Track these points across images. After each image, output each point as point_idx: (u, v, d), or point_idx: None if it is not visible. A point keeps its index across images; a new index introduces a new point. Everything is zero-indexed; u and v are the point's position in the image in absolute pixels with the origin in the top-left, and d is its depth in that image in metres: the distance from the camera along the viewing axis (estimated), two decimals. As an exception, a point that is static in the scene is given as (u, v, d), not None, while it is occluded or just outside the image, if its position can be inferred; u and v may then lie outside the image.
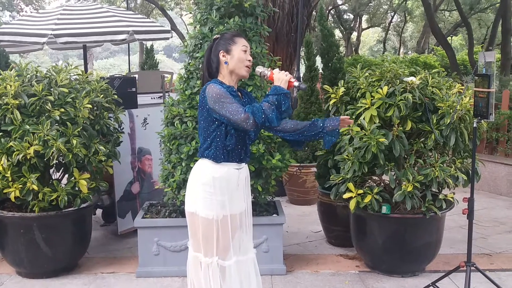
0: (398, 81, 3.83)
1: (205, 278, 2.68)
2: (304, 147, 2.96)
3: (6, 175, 3.72)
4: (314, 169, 5.28)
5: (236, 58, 2.63)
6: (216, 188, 2.62)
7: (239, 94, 2.73)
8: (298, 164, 5.78)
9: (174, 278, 3.90)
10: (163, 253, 3.95)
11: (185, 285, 2.91)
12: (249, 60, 2.67)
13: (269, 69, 2.68)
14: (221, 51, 2.65)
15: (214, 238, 2.64)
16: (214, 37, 2.76)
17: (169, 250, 3.93)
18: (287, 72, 2.58)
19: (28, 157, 3.69)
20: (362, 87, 3.89)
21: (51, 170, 4.14)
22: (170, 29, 8.78)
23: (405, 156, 3.86)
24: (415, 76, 3.86)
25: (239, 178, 2.71)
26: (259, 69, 2.71)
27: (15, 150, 3.67)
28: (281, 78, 2.55)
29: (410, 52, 28.68)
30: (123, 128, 4.52)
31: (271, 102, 2.47)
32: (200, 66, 3.87)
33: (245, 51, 2.65)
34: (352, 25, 25.76)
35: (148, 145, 5.07)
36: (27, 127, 3.73)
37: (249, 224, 2.83)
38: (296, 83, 2.59)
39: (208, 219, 2.63)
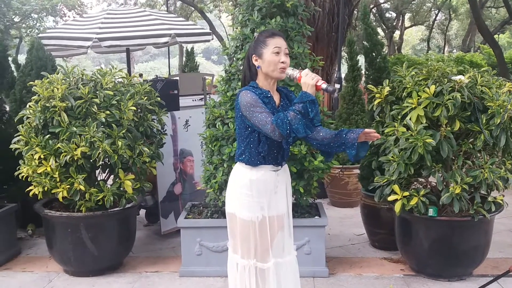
0: (445, 80, 3.72)
1: (242, 280, 2.68)
2: (332, 158, 2.83)
3: (54, 176, 3.83)
4: (357, 171, 5.20)
5: (267, 62, 2.54)
6: (253, 190, 2.61)
7: (278, 96, 2.67)
8: (341, 166, 5.70)
9: (217, 278, 3.91)
10: (205, 253, 3.97)
11: (227, 286, 2.90)
12: (282, 62, 2.54)
13: (299, 71, 2.53)
14: (254, 55, 2.59)
15: (252, 240, 2.63)
16: (255, 35, 2.69)
17: (211, 250, 3.95)
18: (314, 75, 2.45)
19: (75, 158, 3.78)
20: (408, 86, 3.79)
21: (97, 171, 4.23)
22: (210, 31, 8.85)
23: (453, 157, 3.75)
24: (463, 75, 3.74)
25: (277, 180, 2.68)
26: (289, 71, 2.56)
27: (62, 151, 3.77)
28: (307, 83, 2.42)
29: (455, 50, 28.01)
30: (165, 130, 4.57)
31: (297, 111, 2.36)
32: (241, 68, 3.87)
33: (278, 52, 2.53)
34: (394, 23, 25.35)
35: (190, 147, 5.12)
36: (74, 129, 3.82)
37: (290, 225, 2.80)
38: (323, 86, 2.44)
39: (246, 220, 2.62)
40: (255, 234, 2.62)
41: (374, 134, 2.55)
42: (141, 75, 15.33)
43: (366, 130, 2.56)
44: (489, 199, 3.74)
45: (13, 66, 5.81)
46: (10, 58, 5.87)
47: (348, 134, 2.55)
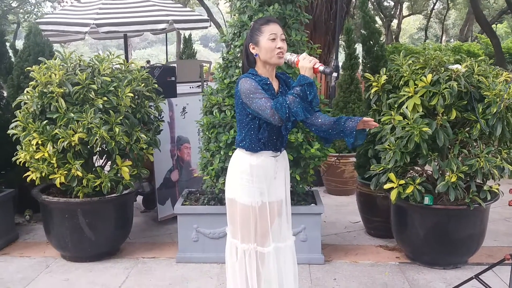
0: (442, 69, 3.72)
1: (240, 264, 2.70)
2: (331, 144, 2.87)
3: (51, 161, 3.83)
4: (353, 159, 5.21)
5: (264, 49, 2.54)
6: (254, 176, 2.63)
7: (277, 83, 2.69)
8: (337, 154, 5.73)
9: (213, 265, 3.94)
10: (202, 239, 4.00)
11: (224, 272, 2.93)
12: (279, 48, 2.53)
13: (296, 55, 2.53)
14: (250, 43, 2.60)
15: (251, 225, 2.66)
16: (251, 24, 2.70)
17: (208, 236, 3.98)
18: (312, 58, 2.45)
19: (73, 144, 3.79)
20: (405, 75, 3.80)
21: (94, 157, 4.23)
22: (207, 18, 8.79)
23: (449, 146, 3.77)
24: (460, 64, 3.75)
25: (276, 166, 2.70)
26: (287, 56, 2.56)
27: (60, 137, 3.77)
28: (304, 66, 2.42)
29: (452, 40, 27.95)
30: (163, 116, 4.57)
31: (295, 94, 2.37)
32: (239, 55, 3.87)
33: (274, 39, 2.53)
34: (392, 12, 25.23)
35: (187, 134, 5.12)
36: (72, 115, 3.82)
37: (288, 211, 2.83)
38: (321, 68, 2.44)
39: (246, 205, 2.65)
40: (255, 219, 2.65)
41: (373, 122, 2.59)
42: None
43: (365, 118, 2.59)
44: (485, 188, 3.76)
45: (10, 52, 5.78)
46: (7, 44, 5.84)
47: (346, 122, 2.58)
